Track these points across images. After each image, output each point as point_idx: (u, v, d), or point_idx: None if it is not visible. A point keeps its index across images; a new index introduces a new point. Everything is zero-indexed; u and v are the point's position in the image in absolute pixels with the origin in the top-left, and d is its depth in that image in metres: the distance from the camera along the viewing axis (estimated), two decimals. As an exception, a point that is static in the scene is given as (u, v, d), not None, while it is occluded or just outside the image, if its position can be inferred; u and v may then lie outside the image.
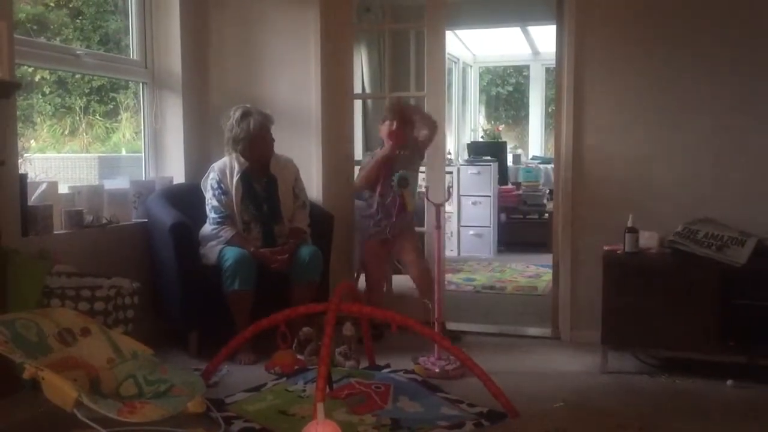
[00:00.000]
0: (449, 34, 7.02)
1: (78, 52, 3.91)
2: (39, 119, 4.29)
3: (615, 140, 3.93)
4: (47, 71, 4.11)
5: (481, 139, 9.30)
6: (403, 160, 4.02)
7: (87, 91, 4.54)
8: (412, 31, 6.06)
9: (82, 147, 4.61)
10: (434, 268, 3.76)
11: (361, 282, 4.25)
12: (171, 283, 3.75)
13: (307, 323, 3.73)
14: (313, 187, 4.33)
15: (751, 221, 3.53)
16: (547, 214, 7.29)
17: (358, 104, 6.67)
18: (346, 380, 3.26)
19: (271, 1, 4.42)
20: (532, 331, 4.29)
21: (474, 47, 9.36)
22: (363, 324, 3.52)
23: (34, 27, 4.01)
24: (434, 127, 4.05)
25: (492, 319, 4.56)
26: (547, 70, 9.23)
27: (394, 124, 3.96)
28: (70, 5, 4.39)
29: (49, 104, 4.34)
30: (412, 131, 4.07)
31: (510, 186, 7.88)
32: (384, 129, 4.03)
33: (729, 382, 3.32)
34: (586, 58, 3.94)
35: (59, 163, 4.45)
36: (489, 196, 7.16)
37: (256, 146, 3.86)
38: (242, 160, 3.87)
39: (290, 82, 4.41)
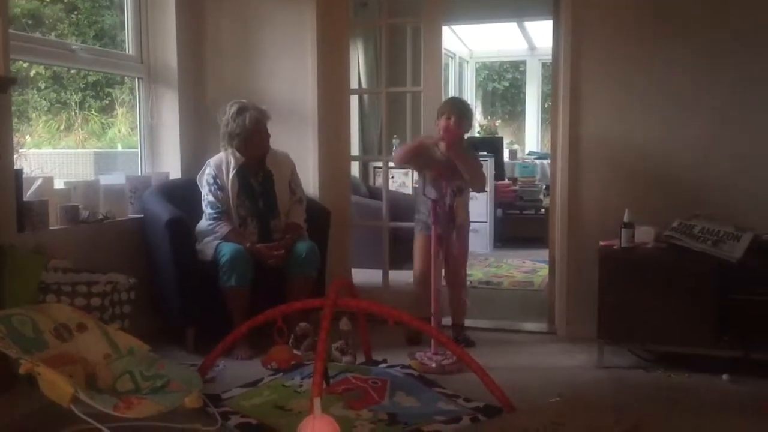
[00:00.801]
0: (446, 30, 6.97)
1: (73, 47, 3.90)
2: (34, 114, 4.29)
3: (611, 136, 3.93)
4: (42, 66, 4.10)
5: (477, 135, 9.30)
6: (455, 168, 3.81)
7: (82, 86, 4.53)
8: (409, 26, 6.04)
9: (78, 142, 4.60)
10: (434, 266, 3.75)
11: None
12: (167, 279, 3.74)
13: (304, 318, 3.74)
14: (310, 182, 4.33)
15: (747, 217, 3.55)
16: (543, 210, 7.30)
17: (354, 99, 6.67)
18: (343, 375, 3.26)
19: (267, -4, 4.41)
20: (528, 326, 4.30)
21: (470, 42, 9.36)
22: (360, 319, 3.52)
23: (29, 22, 4.00)
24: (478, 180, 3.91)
25: (488, 315, 4.56)
26: (544, 65, 9.23)
27: (452, 119, 3.72)
28: (65, 0, 4.38)
29: (45, 99, 4.33)
30: (467, 129, 3.92)
31: (506, 181, 7.88)
32: (441, 123, 3.78)
33: (724, 376, 3.33)
34: (583, 54, 3.94)
35: (55, 159, 4.44)
36: (485, 192, 7.15)
37: (252, 142, 3.85)
38: (238, 155, 3.86)
39: (287, 77, 4.40)
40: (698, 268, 3.35)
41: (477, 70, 10.25)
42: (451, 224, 3.81)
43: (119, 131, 4.81)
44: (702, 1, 3.76)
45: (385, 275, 4.57)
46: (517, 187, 7.80)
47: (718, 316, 3.33)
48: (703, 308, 3.34)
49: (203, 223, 3.85)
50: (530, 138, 9.57)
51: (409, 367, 3.48)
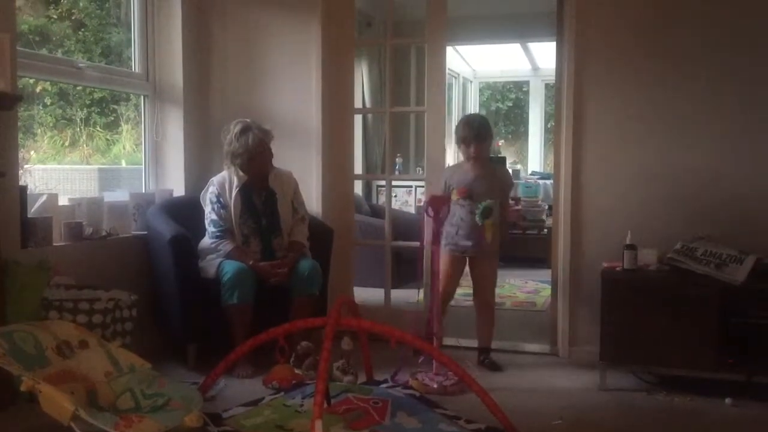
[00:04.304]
0: (450, 50, 7.05)
1: (80, 65, 3.92)
2: (40, 130, 4.30)
3: (614, 157, 3.93)
4: (48, 82, 4.13)
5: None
6: (483, 185, 3.83)
7: (88, 102, 4.56)
8: (413, 46, 6.10)
9: (83, 158, 4.62)
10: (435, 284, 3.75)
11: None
12: (170, 296, 3.74)
13: (306, 337, 3.73)
14: (313, 201, 4.34)
15: (749, 240, 3.54)
16: (546, 230, 7.29)
17: (358, 118, 6.70)
18: (344, 395, 3.26)
19: (273, 15, 4.44)
20: (530, 347, 4.28)
21: (474, 63, 9.41)
22: (362, 338, 3.51)
23: (37, 39, 4.02)
24: None
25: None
26: (547, 85, 9.27)
27: (472, 147, 3.80)
28: (73, 17, 4.41)
29: (50, 115, 4.35)
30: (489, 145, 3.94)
31: (509, 201, 7.86)
32: (464, 149, 3.85)
33: (728, 400, 3.31)
34: (586, 75, 3.95)
35: (59, 175, 4.45)
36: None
37: (255, 162, 3.86)
38: (241, 173, 3.87)
39: (291, 96, 4.42)
40: (701, 291, 3.35)
41: (480, 90, 10.30)
42: (483, 242, 3.80)
43: (124, 148, 4.83)
44: (707, 23, 3.77)
45: (387, 294, 4.56)
46: (519, 207, 7.79)
47: (721, 339, 3.31)
48: (706, 331, 3.33)
49: (206, 241, 3.86)
50: (533, 158, 9.59)
51: (411, 387, 3.47)
